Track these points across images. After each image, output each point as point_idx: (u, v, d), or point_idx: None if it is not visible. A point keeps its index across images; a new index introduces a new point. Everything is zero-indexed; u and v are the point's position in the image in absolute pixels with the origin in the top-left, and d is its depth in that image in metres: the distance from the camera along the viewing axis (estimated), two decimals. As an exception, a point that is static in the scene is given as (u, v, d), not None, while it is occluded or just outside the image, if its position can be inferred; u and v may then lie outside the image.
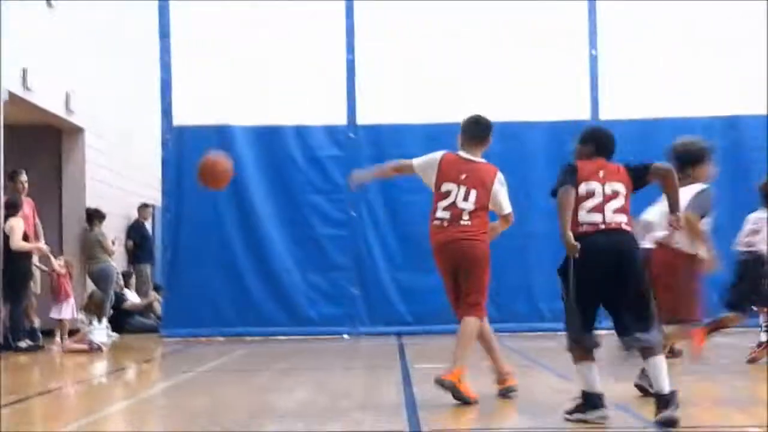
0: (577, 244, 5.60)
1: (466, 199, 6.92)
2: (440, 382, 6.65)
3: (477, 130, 7.27)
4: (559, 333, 12.95)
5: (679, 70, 13.87)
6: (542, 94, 13.99)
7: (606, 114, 13.91)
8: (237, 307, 13.57)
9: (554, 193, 5.80)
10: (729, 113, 13.83)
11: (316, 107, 14.10)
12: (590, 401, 5.73)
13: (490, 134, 7.27)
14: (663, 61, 13.91)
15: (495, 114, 13.79)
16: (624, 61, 13.93)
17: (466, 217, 6.88)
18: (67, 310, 12.37)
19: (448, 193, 6.95)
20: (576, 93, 14.02)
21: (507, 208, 7.21)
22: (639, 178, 5.82)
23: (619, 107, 13.87)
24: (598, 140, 6.01)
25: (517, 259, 13.57)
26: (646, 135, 13.53)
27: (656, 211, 7.16)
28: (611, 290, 5.62)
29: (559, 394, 7.43)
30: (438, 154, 7.14)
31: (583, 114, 13.97)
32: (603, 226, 5.66)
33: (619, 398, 6.68)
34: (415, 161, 7.24)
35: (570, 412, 5.82)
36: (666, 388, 5.51)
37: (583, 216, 5.67)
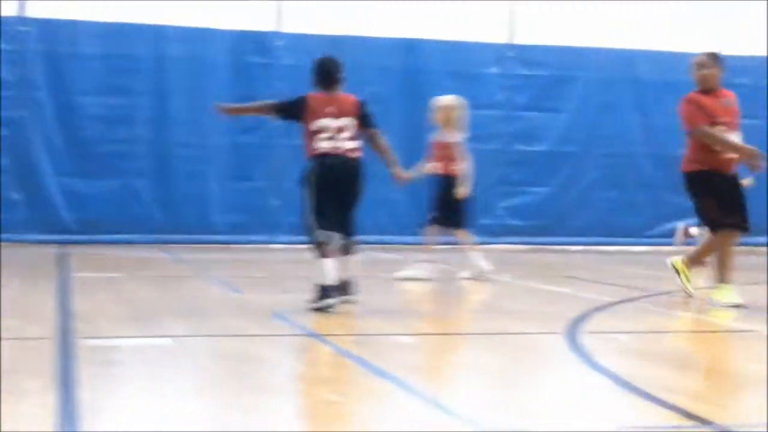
0: None
1: None
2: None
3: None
4: (232, 246, 13.05)
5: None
6: (226, 2, 13.62)
7: (290, 27, 13.80)
8: None
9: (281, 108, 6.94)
10: (410, 36, 14.12)
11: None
12: (323, 292, 6.55)
13: None
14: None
15: (176, 19, 13.46)
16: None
17: None
18: None
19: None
20: (260, 5, 13.76)
21: None
22: (362, 123, 6.83)
23: (304, 22, 13.80)
24: (318, 72, 6.92)
25: (191, 169, 13.26)
26: (327, 51, 13.56)
27: None
28: (337, 199, 6.71)
29: (223, 303, 7.33)
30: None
31: (267, 25, 13.78)
32: (332, 151, 6.70)
33: (281, 308, 6.70)
34: None
35: (311, 302, 6.58)
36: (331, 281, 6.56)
37: (319, 144, 6.72)
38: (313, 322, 6.19)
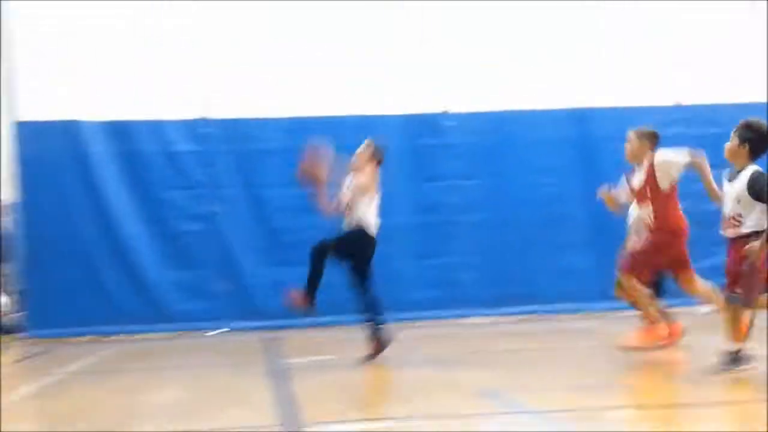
0: None
1: None
2: None
3: None
4: (423, 322, 13.11)
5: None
6: (396, 88, 14.11)
7: (458, 108, 14.18)
8: (100, 306, 13.19)
9: None
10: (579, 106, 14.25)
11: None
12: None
13: None
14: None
15: (349, 108, 13.92)
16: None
17: None
18: None
19: None
20: (429, 88, 14.17)
21: None
22: None
23: (469, 101, 14.16)
24: None
25: (379, 249, 13.63)
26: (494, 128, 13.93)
27: None
28: None
29: (434, 381, 7.46)
30: None
31: (437, 107, 14.19)
32: None
33: (490, 385, 6.77)
34: None
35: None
36: None
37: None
38: (527, 399, 6.28)
